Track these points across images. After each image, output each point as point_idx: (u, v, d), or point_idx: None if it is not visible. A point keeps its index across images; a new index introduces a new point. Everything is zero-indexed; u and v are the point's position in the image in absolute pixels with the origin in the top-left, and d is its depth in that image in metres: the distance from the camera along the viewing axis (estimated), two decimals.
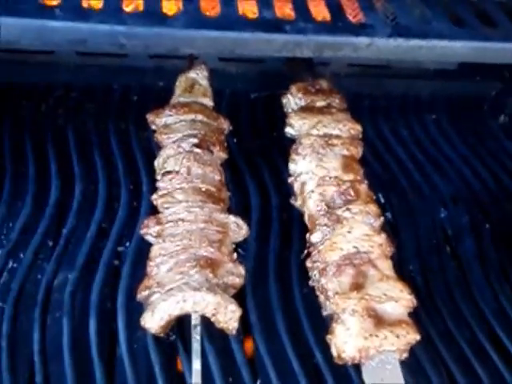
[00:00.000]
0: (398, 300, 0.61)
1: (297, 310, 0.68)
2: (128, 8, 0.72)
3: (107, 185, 0.82)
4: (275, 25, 0.61)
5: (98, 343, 0.64)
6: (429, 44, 0.63)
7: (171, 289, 0.59)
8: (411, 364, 0.63)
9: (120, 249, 0.76)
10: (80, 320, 0.67)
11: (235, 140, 0.88)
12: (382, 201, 0.84)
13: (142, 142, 0.89)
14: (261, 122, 0.95)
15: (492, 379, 0.65)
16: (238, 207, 0.78)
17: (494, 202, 0.88)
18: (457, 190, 0.90)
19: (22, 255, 0.73)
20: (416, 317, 0.64)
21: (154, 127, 0.77)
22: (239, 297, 0.66)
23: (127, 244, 0.76)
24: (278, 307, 0.67)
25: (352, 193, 0.69)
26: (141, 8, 0.63)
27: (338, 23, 0.63)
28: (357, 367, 0.60)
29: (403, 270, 0.73)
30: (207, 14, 0.62)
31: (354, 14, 0.65)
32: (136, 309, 0.64)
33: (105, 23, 0.56)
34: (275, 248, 0.74)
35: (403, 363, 0.59)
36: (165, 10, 0.62)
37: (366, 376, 0.58)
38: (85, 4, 0.63)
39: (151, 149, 0.82)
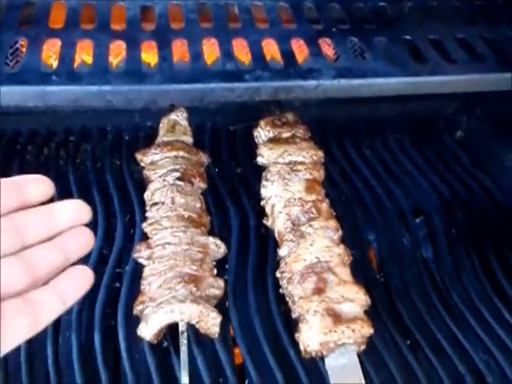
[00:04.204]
0: (354, 300, 0.71)
1: (272, 314, 0.78)
2: (115, 60, 0.85)
3: (105, 216, 0.93)
4: (236, 75, 0.73)
5: (103, 355, 0.74)
6: (367, 82, 0.75)
7: (161, 302, 0.70)
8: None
9: (119, 271, 0.87)
10: (86, 336, 0.78)
11: (216, 169, 1.00)
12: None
13: (134, 175, 1.00)
14: (239, 151, 1.05)
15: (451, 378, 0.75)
16: (220, 228, 0.90)
17: (450, 212, 0.99)
18: (416, 202, 1.01)
19: None
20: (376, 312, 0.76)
21: (142, 164, 0.88)
22: (222, 306, 0.78)
23: (126, 267, 0.87)
24: (255, 313, 0.78)
25: (314, 211, 0.80)
26: (124, 59, 0.74)
27: (290, 69, 0.74)
28: (323, 359, 0.71)
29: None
30: (179, 69, 0.73)
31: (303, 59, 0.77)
32: (133, 323, 0.75)
33: (93, 84, 0.68)
34: (253, 262, 0.85)
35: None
36: (145, 63, 0.74)
37: (328, 366, 0.68)
38: (78, 60, 0.75)
39: (142, 181, 0.94)
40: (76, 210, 0.54)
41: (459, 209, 0.99)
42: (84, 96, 0.67)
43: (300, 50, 0.79)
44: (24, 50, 0.78)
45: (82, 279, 0.52)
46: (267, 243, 0.87)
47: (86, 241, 0.54)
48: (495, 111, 1.09)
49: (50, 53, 0.78)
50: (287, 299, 0.75)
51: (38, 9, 0.82)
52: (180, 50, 0.78)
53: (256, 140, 0.93)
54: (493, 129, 1.12)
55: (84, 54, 0.77)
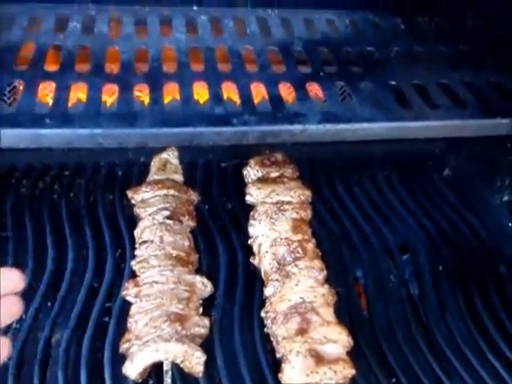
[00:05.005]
0: (336, 341, 0.73)
1: (257, 353, 0.79)
2: (109, 99, 0.87)
3: (96, 251, 0.94)
4: (224, 119, 0.75)
5: None
6: (352, 127, 0.77)
7: (147, 341, 0.71)
8: None
9: (108, 305, 0.88)
10: (73, 372, 0.78)
11: (206, 206, 1.02)
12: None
13: (126, 210, 1.01)
14: (230, 188, 1.07)
15: None
16: (209, 266, 0.91)
17: (436, 250, 1.00)
18: (403, 239, 1.02)
19: (23, 317, 0.85)
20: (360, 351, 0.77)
21: (133, 202, 0.90)
22: (208, 343, 0.79)
23: (115, 302, 0.88)
24: (241, 352, 0.79)
25: (300, 251, 0.82)
26: (116, 101, 0.77)
27: (277, 113, 0.77)
28: None
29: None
30: (169, 112, 0.76)
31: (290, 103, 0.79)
32: (120, 359, 0.76)
33: (85, 128, 0.70)
34: (240, 300, 0.86)
35: None
36: (136, 105, 0.77)
37: None
38: (72, 102, 0.77)
39: (134, 216, 0.95)
40: (11, 280, 0.56)
41: (445, 247, 1.01)
42: (76, 139, 0.70)
43: (288, 92, 0.81)
44: (20, 90, 0.80)
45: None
46: (255, 281, 0.88)
47: (14, 311, 0.56)
48: (481, 151, 1.12)
49: (45, 94, 0.80)
50: (271, 339, 0.76)
51: (36, 51, 0.84)
52: (171, 92, 0.80)
53: (245, 179, 0.95)
54: (479, 168, 1.14)
55: (78, 95, 0.79)
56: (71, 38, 0.86)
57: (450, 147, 1.20)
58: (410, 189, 1.13)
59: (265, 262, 0.82)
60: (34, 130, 0.69)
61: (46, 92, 0.84)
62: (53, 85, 0.78)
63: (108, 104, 0.77)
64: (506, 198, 1.08)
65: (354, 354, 0.76)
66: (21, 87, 0.79)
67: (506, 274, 0.97)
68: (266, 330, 0.77)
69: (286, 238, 0.83)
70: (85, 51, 0.85)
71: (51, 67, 0.81)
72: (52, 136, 0.70)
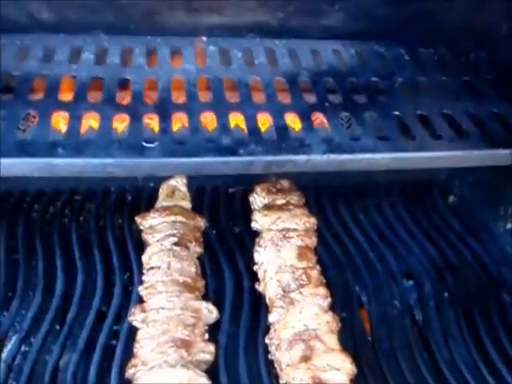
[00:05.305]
0: (339, 369, 0.74)
1: (262, 379, 0.81)
2: (121, 126, 0.89)
3: (104, 274, 0.96)
4: (231, 149, 0.77)
5: None
6: (356, 157, 0.78)
7: (153, 366, 0.73)
8: None
9: (116, 328, 0.89)
10: None
11: (214, 232, 1.04)
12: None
13: (134, 235, 1.03)
14: (237, 213, 1.09)
15: None
16: (215, 291, 0.93)
17: (440, 277, 1.01)
18: (407, 266, 1.03)
19: (32, 339, 0.87)
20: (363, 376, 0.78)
21: (141, 227, 0.92)
22: (214, 369, 0.80)
23: (123, 325, 0.89)
24: (245, 378, 0.80)
25: (304, 278, 0.83)
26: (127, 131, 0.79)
27: (282, 144, 0.79)
28: None
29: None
30: (178, 142, 0.78)
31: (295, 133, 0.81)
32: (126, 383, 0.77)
33: (96, 157, 0.73)
34: (245, 325, 0.87)
35: None
36: (146, 136, 0.79)
37: None
38: (84, 127, 0.80)
39: (142, 241, 0.97)
40: None
41: (449, 274, 1.02)
42: (87, 168, 0.72)
43: (293, 122, 0.83)
44: (34, 119, 0.83)
45: None
46: (260, 306, 0.90)
47: None
48: (486, 179, 1.13)
49: (58, 123, 0.83)
50: (275, 365, 0.77)
51: (50, 80, 0.87)
52: (180, 122, 0.82)
53: (252, 206, 0.97)
54: (483, 196, 1.16)
55: (90, 124, 0.81)
56: (84, 68, 0.89)
57: (454, 175, 1.22)
58: (414, 216, 1.15)
59: (270, 288, 0.84)
60: (47, 160, 0.71)
61: (60, 121, 0.86)
62: (66, 114, 0.80)
63: (119, 131, 0.79)
64: (509, 225, 1.09)
65: (357, 378, 0.77)
66: (35, 116, 0.81)
67: (509, 302, 0.98)
68: (270, 356, 0.78)
69: (291, 265, 0.84)
70: (97, 82, 0.87)
71: (65, 97, 0.83)
72: (64, 166, 0.72)
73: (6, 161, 0.70)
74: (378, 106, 0.89)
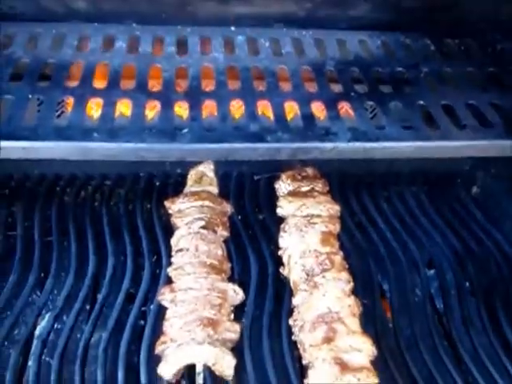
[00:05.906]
0: (361, 350, 0.76)
1: (285, 359, 0.83)
2: (151, 113, 0.92)
3: (134, 257, 1.00)
4: (259, 136, 0.80)
5: None
6: (380, 146, 0.80)
7: (181, 344, 0.76)
8: None
9: (144, 309, 0.92)
10: (111, 372, 0.83)
11: (239, 217, 1.06)
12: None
13: (162, 219, 1.06)
14: (262, 200, 1.11)
15: None
16: (240, 274, 0.95)
17: (462, 266, 1.02)
18: (429, 255, 1.05)
19: (65, 318, 0.91)
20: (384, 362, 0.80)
21: (170, 211, 0.95)
22: (238, 348, 0.83)
23: (151, 306, 0.93)
24: (269, 358, 0.83)
25: (328, 263, 0.85)
26: (158, 118, 0.82)
27: (309, 132, 0.81)
28: None
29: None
30: (207, 129, 0.80)
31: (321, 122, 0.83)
32: (155, 361, 0.80)
33: (130, 142, 0.76)
34: (269, 308, 0.90)
35: None
36: (177, 122, 0.82)
37: None
38: (117, 113, 0.83)
39: (170, 225, 1.00)
40: None
41: (471, 263, 1.03)
42: (121, 153, 0.75)
43: (319, 110, 0.85)
44: (70, 105, 0.86)
45: None
46: (284, 290, 0.92)
47: None
48: (509, 170, 1.13)
49: (93, 109, 0.86)
50: (298, 346, 0.79)
51: (85, 68, 0.90)
52: (209, 109, 0.85)
53: (277, 192, 0.99)
54: (507, 186, 1.16)
55: (122, 111, 0.85)
56: (117, 57, 0.92)
57: (478, 166, 1.23)
58: (437, 206, 1.16)
59: (294, 272, 0.86)
60: (84, 144, 0.74)
61: (94, 107, 0.89)
62: (100, 100, 0.83)
63: (150, 119, 0.82)
64: None
65: (378, 364, 0.78)
66: (71, 102, 0.84)
67: None
68: (293, 337, 0.81)
69: (315, 250, 0.86)
70: (130, 69, 0.90)
71: (99, 84, 0.87)
72: (99, 150, 0.75)
73: (45, 144, 0.74)
74: (402, 96, 0.90)
